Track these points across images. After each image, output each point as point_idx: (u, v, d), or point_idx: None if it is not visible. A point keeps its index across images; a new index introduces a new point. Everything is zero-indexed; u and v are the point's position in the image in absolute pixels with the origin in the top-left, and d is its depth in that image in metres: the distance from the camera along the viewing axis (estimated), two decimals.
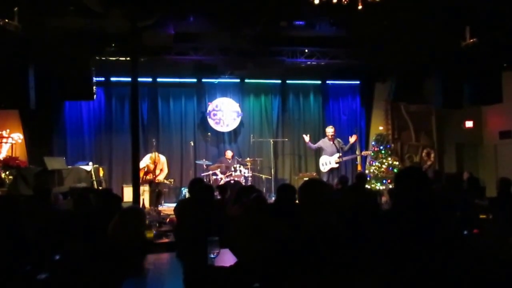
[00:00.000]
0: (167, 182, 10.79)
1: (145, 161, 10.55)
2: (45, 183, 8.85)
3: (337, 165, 10.73)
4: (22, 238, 4.30)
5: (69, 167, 10.07)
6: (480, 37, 8.53)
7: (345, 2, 6.00)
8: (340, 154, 10.73)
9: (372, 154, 12.18)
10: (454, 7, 7.92)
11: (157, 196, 10.39)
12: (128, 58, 9.03)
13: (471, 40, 8.57)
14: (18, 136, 10.35)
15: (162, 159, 10.82)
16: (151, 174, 10.36)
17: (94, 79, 9.47)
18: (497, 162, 12.56)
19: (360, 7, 6.13)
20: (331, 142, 10.85)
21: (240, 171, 10.99)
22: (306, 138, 11.18)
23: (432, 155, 12.95)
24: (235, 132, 12.67)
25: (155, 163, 10.43)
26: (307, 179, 9.36)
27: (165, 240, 6.93)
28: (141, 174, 9.89)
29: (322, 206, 2.57)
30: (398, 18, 8.43)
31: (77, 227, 4.38)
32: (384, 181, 11.77)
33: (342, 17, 8.39)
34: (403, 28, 8.83)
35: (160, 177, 10.60)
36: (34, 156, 10.40)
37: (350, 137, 11.24)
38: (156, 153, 10.62)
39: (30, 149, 10.62)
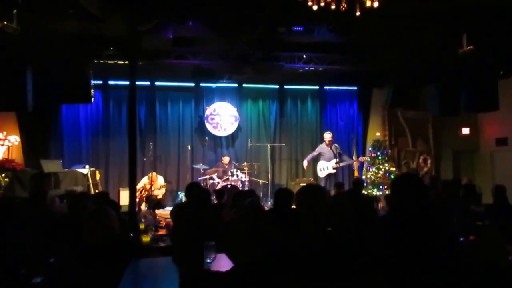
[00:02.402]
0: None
1: (142, 181, 10.61)
2: (41, 186, 8.85)
3: (334, 171, 10.76)
4: (18, 241, 4.29)
5: (65, 170, 10.07)
6: (477, 45, 8.58)
7: (344, 9, 6.01)
8: (337, 160, 10.75)
9: (369, 160, 12.21)
10: (451, 14, 7.97)
11: (155, 204, 10.45)
12: (127, 62, 9.03)
13: (468, 48, 8.61)
14: (14, 139, 10.33)
15: (160, 179, 10.84)
16: (147, 192, 10.42)
17: (92, 82, 9.47)
18: (493, 169, 12.61)
19: (358, 13, 6.15)
20: (329, 148, 10.88)
21: (237, 175, 11.01)
22: (305, 163, 11.19)
23: (429, 162, 12.99)
24: (232, 137, 12.68)
25: (151, 183, 10.48)
26: (304, 184, 9.37)
27: (161, 244, 6.91)
28: (138, 193, 9.98)
29: (319, 211, 2.57)
30: (396, 25, 8.47)
31: (73, 230, 4.37)
32: (381, 187, 11.80)
33: (341, 23, 8.42)
34: (400, 35, 8.87)
35: (159, 192, 10.72)
36: (30, 158, 10.38)
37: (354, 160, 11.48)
38: (154, 173, 10.66)
39: (27, 151, 10.60)
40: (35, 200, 5.97)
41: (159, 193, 10.68)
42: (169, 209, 9.52)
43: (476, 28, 8.49)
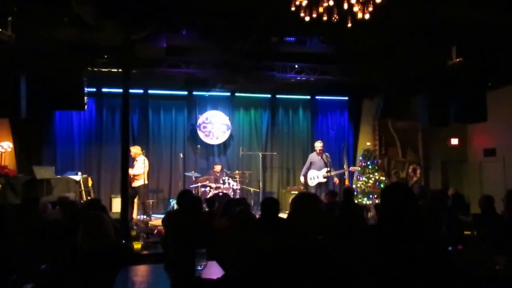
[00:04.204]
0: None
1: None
2: (33, 192, 8.83)
3: (324, 180, 10.81)
4: (9, 247, 4.30)
5: (58, 176, 10.04)
6: (465, 57, 8.71)
7: (335, 20, 6.11)
8: (328, 169, 10.82)
9: (359, 169, 12.29)
10: (441, 27, 8.10)
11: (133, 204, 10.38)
12: (120, 70, 9.07)
13: (457, 60, 8.75)
14: (7, 145, 10.28)
15: (142, 160, 10.46)
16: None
17: (86, 89, 9.51)
18: (481, 179, 12.73)
19: (349, 25, 6.24)
20: (319, 157, 10.94)
21: (229, 183, 11.04)
22: (302, 178, 11.25)
23: (418, 171, 13.10)
24: (224, 145, 12.73)
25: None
26: (299, 192, 9.38)
27: (153, 251, 6.91)
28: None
29: (312, 219, 2.61)
30: (386, 37, 8.60)
31: (65, 237, 4.39)
32: (371, 196, 11.86)
33: (332, 34, 8.52)
34: (391, 47, 8.99)
35: (139, 182, 10.36)
36: (23, 165, 10.35)
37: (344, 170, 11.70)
38: (139, 150, 10.48)
39: (20, 158, 10.56)
40: (27, 206, 5.96)
41: (140, 182, 10.33)
42: (160, 216, 9.55)
43: (465, 40, 8.63)
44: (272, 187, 12.92)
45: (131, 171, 10.10)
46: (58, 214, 6.13)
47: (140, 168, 10.33)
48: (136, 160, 10.38)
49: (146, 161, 10.53)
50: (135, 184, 10.30)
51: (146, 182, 10.57)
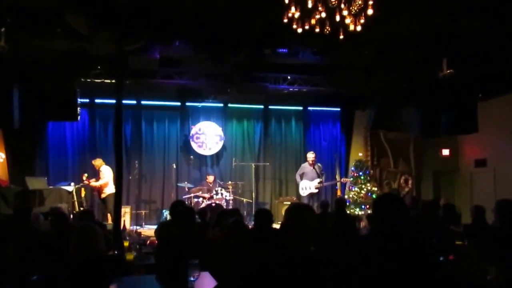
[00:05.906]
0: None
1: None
2: (25, 203, 8.78)
3: (316, 190, 10.84)
4: (1, 258, 4.29)
5: (50, 187, 10.02)
6: (456, 69, 8.81)
7: (327, 32, 6.17)
8: (321, 180, 10.85)
9: (352, 179, 12.34)
10: (432, 39, 8.20)
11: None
12: (113, 81, 9.09)
13: (448, 71, 8.84)
14: (0, 155, 10.25)
15: (104, 169, 10.47)
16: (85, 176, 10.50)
17: (79, 100, 9.50)
18: (472, 190, 12.79)
19: (341, 36, 6.31)
20: (312, 167, 10.97)
21: (222, 194, 11.02)
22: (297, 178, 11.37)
23: (410, 182, 13.15)
24: (217, 156, 12.74)
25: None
26: (293, 202, 9.39)
27: (145, 262, 6.89)
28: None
29: (305, 230, 2.63)
30: (378, 49, 8.68)
31: (56, 248, 4.38)
32: (363, 207, 11.90)
33: (324, 46, 8.60)
34: (383, 58, 9.08)
35: (108, 190, 10.31)
36: (15, 175, 10.30)
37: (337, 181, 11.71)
38: (100, 161, 10.59)
39: (12, 168, 10.51)
40: (19, 217, 5.94)
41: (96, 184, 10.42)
42: (153, 227, 9.52)
43: (456, 52, 8.73)
44: (265, 197, 12.92)
45: (97, 183, 10.38)
46: (50, 225, 6.11)
47: (105, 178, 10.40)
48: (101, 171, 10.47)
49: (110, 169, 10.44)
50: (105, 193, 10.37)
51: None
